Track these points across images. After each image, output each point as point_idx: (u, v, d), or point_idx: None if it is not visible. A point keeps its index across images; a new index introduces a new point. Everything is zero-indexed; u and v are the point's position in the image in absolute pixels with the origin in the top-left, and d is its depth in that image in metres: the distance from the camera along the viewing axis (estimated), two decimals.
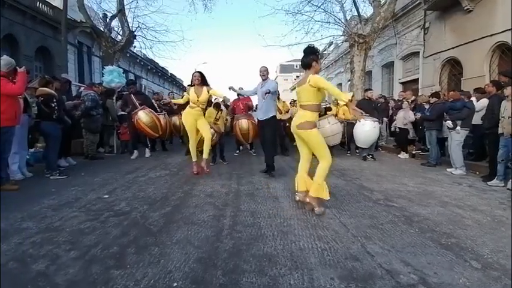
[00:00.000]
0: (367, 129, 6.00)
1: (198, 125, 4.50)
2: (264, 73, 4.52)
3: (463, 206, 3.21)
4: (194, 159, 4.59)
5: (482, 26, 7.59)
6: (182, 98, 4.89)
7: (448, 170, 5.16)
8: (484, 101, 5.11)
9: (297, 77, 33.50)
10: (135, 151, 6.21)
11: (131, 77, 18.58)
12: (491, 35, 7.36)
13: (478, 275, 1.79)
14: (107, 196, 3.36)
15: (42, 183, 4.00)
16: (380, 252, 2.07)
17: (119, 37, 12.47)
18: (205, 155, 4.54)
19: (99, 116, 5.86)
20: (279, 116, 6.54)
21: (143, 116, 5.66)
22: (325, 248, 2.13)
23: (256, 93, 4.70)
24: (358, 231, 2.43)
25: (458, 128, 4.92)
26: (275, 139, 5.11)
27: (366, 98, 6.89)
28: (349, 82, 11.56)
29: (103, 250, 2.05)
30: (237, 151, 6.97)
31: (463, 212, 3.00)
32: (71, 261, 1.90)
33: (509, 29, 6.75)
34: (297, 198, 3.12)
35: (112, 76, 6.62)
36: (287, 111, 6.91)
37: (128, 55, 16.12)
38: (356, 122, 6.34)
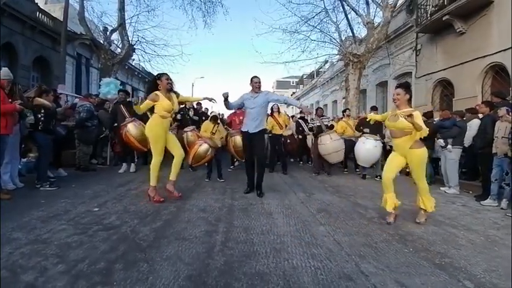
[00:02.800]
0: (368, 147, 5.84)
1: (167, 141, 3.73)
2: (259, 84, 4.22)
3: (457, 225, 3.20)
4: (153, 183, 3.65)
5: (474, 48, 7.83)
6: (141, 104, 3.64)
7: (442, 188, 5.18)
8: (476, 122, 5.20)
9: (293, 93, 33.99)
10: (124, 164, 5.92)
11: (129, 89, 18.68)
12: (484, 57, 7.58)
13: None
14: (97, 209, 3.28)
15: (32, 194, 3.91)
16: (374, 272, 2.03)
17: (118, 50, 12.64)
18: (172, 176, 3.76)
19: (94, 127, 5.82)
20: (279, 132, 6.58)
21: (132, 128, 5.33)
22: (319, 266, 2.08)
23: (242, 106, 4.43)
24: (352, 249, 2.40)
25: (449, 146, 4.98)
26: (265, 154, 4.95)
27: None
28: (344, 100, 11.75)
29: (90, 265, 1.98)
30: (232, 166, 6.91)
31: (457, 231, 2.99)
32: (59, 275, 1.85)
33: (504, 50, 6.94)
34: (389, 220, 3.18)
35: (109, 88, 6.64)
36: (286, 126, 6.84)
37: (126, 67, 16.27)
38: (355, 140, 6.35)
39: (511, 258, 2.29)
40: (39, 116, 4.25)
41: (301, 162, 8.56)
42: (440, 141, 5.11)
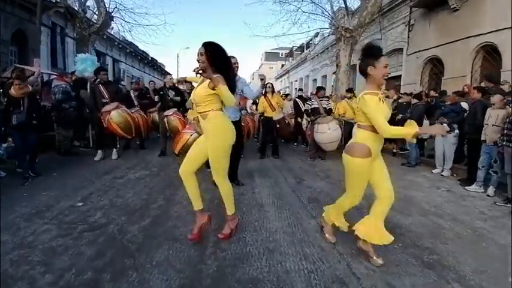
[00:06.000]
0: None
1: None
2: (237, 66, 3.68)
3: (443, 214, 3.28)
4: (198, 206, 2.43)
5: (468, 26, 7.67)
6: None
7: (434, 171, 5.29)
8: (464, 105, 5.21)
9: (282, 65, 33.18)
10: (100, 151, 5.37)
11: (108, 61, 17.63)
12: (477, 35, 7.45)
13: None
14: (81, 204, 3.15)
15: (13, 184, 3.74)
16: (365, 274, 2.05)
17: (95, 17, 11.70)
18: (230, 210, 2.46)
19: (72, 109, 5.46)
20: (271, 114, 6.21)
21: (116, 116, 4.96)
22: (312, 269, 2.08)
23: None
24: (343, 247, 2.41)
25: (456, 131, 4.99)
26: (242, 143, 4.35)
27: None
28: (334, 75, 11.53)
29: (77, 276, 1.90)
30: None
31: (443, 222, 3.06)
32: (47, 287, 1.79)
33: (496, 30, 6.83)
34: (359, 244, 2.28)
35: (85, 65, 6.12)
36: (281, 108, 6.45)
37: (104, 37, 15.19)
38: (354, 122, 6.12)
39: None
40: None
41: (295, 144, 8.27)
42: (445, 126, 5.07)
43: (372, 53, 2.09)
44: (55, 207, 3.03)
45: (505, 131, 3.73)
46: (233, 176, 3.95)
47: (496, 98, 4.12)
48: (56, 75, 6.69)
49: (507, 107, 3.97)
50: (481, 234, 2.80)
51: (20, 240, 2.34)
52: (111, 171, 4.58)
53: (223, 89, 2.13)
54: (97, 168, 4.77)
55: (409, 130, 1.95)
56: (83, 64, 6.15)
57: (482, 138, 4.19)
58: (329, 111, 6.22)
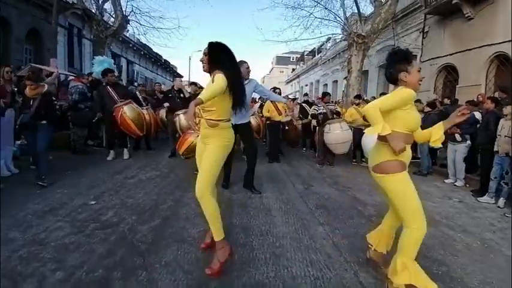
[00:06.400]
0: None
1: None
2: (249, 70, 3.77)
3: (454, 226, 3.23)
4: (222, 236, 2.10)
5: (482, 35, 7.57)
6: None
7: (447, 181, 5.21)
8: (477, 115, 5.12)
9: (293, 69, 33.21)
10: (111, 151, 5.47)
11: (123, 63, 18.03)
12: (491, 45, 7.34)
13: None
14: (93, 202, 3.24)
15: (27, 181, 3.83)
16: (373, 283, 2.04)
17: (112, 20, 12.04)
18: (217, 235, 2.07)
19: (87, 109, 5.62)
20: (278, 118, 6.24)
21: (129, 110, 5.05)
22: (318, 276, 2.09)
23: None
24: (351, 255, 2.40)
25: (468, 142, 4.92)
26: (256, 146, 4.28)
27: None
28: (345, 81, 11.49)
29: (88, 273, 1.96)
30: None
31: (453, 233, 3.01)
32: (58, 284, 1.84)
33: (509, 40, 6.73)
34: (368, 254, 2.19)
35: (102, 67, 6.32)
36: (290, 111, 6.26)
37: (120, 39, 15.59)
38: (364, 129, 6.03)
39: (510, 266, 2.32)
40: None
41: (303, 149, 8.21)
42: (457, 136, 4.99)
43: (404, 58, 1.88)
44: (68, 205, 3.13)
45: None
46: (249, 183, 4.01)
47: (508, 109, 4.04)
48: (73, 76, 6.91)
49: None
50: (489, 246, 2.75)
51: (32, 237, 2.39)
52: (122, 171, 4.68)
53: (217, 77, 1.97)
54: (109, 167, 4.88)
55: (384, 128, 1.72)
56: (100, 66, 6.35)
57: (495, 149, 4.10)
58: (337, 114, 6.21)
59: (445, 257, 2.48)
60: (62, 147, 5.62)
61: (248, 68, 3.67)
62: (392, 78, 1.91)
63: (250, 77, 3.82)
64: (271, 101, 6.22)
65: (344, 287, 1.98)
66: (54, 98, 4.66)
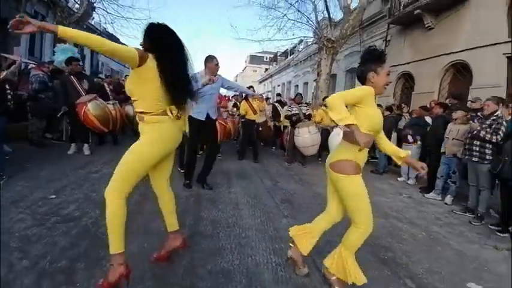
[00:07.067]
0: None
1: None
2: (219, 67, 3.69)
3: (402, 218, 3.58)
4: (120, 250, 1.79)
5: (440, 44, 8.23)
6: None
7: (400, 179, 5.69)
8: (428, 119, 5.65)
9: (266, 69, 33.57)
10: (73, 145, 5.23)
11: (86, 52, 17.02)
12: (448, 54, 8.02)
13: None
14: (53, 196, 3.12)
15: None
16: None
17: (77, 6, 11.37)
18: (113, 247, 1.78)
19: (48, 99, 5.31)
20: (253, 117, 6.33)
21: (93, 107, 4.69)
22: (279, 262, 2.25)
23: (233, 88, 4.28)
24: None
25: (419, 143, 5.38)
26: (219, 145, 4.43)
27: None
28: (315, 83, 11.95)
29: (52, 263, 1.96)
30: (200, 152, 6.40)
31: (401, 225, 3.35)
32: (25, 271, 1.86)
33: (470, 49, 7.33)
34: (289, 254, 2.15)
35: (65, 55, 5.98)
36: (261, 111, 6.53)
37: (84, 27, 14.73)
38: (331, 129, 6.30)
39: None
40: None
41: (273, 148, 8.44)
42: (410, 138, 5.45)
43: (376, 58, 1.86)
44: (28, 198, 3.00)
45: (467, 146, 3.98)
46: (202, 179, 3.98)
47: (458, 114, 4.51)
48: (34, 64, 6.46)
49: (470, 122, 4.34)
50: (436, 238, 3.09)
51: None
52: (86, 166, 4.52)
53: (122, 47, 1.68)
54: (71, 161, 4.68)
55: (348, 118, 1.62)
56: (63, 55, 6.02)
57: (442, 150, 4.58)
58: (309, 117, 6.48)
59: (391, 244, 2.78)
60: (19, 138, 5.25)
61: (217, 64, 3.64)
62: (362, 77, 1.90)
63: (219, 74, 3.77)
64: (246, 100, 6.37)
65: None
66: (8, 87, 4.36)
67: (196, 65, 2.19)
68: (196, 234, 2.59)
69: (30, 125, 5.33)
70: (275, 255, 2.34)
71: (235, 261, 2.21)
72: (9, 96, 3.68)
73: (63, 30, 1.48)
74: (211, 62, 3.61)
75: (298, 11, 10.81)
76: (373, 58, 1.87)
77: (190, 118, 3.54)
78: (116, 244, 1.74)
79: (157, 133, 1.82)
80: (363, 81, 1.90)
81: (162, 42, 1.79)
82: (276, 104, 8.12)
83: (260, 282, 1.99)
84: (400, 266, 2.41)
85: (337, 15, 11.56)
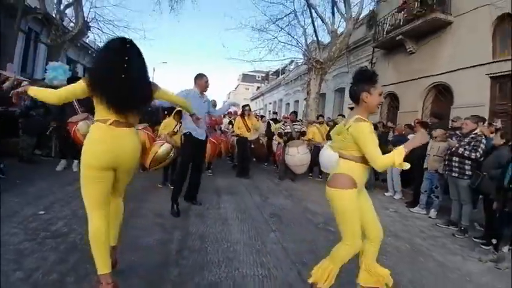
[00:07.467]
0: (330, 154, 6.07)
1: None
2: (208, 85, 3.75)
3: (386, 232, 3.63)
4: (106, 270, 1.82)
5: (421, 68, 8.75)
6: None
7: (387, 194, 5.84)
8: (411, 137, 5.89)
9: (258, 87, 34.28)
10: (62, 161, 5.25)
11: (79, 69, 17.17)
12: (428, 76, 8.50)
13: None
14: (43, 212, 3.13)
15: None
16: None
17: (72, 25, 11.62)
18: (101, 267, 1.81)
19: (39, 117, 5.35)
20: (246, 135, 6.42)
21: (83, 127, 4.54)
22: (266, 275, 2.30)
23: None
24: (297, 257, 2.66)
25: None
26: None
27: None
28: (305, 101, 12.31)
29: (44, 276, 1.99)
30: (209, 171, 6.40)
31: (385, 238, 3.42)
32: (20, 282, 1.89)
33: (451, 71, 7.75)
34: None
35: (56, 73, 6.06)
36: (256, 130, 6.66)
37: (78, 45, 14.96)
38: (321, 147, 6.44)
39: None
40: None
41: (265, 164, 8.49)
42: None
43: (369, 78, 1.90)
44: (20, 214, 3.01)
45: (446, 162, 4.18)
46: (192, 196, 3.96)
47: (438, 132, 4.76)
48: (27, 81, 6.53)
49: (448, 139, 4.56)
50: (419, 250, 3.19)
51: None
52: (74, 182, 4.50)
53: None
54: (60, 178, 4.67)
55: (398, 153, 1.74)
56: (54, 72, 6.13)
57: (425, 166, 4.78)
58: (303, 134, 6.64)
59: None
60: (9, 154, 5.23)
61: (207, 82, 3.70)
62: (355, 96, 1.91)
63: (210, 93, 3.89)
64: (241, 117, 6.53)
65: (288, 284, 2.21)
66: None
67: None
68: (184, 249, 2.62)
69: (21, 141, 5.33)
70: (262, 268, 2.40)
71: (223, 274, 2.25)
72: None
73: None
74: (201, 79, 3.68)
75: (289, 34, 11.32)
76: (365, 78, 1.92)
77: (190, 137, 3.59)
78: (101, 264, 1.80)
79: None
80: (356, 100, 1.92)
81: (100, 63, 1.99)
82: (271, 122, 8.35)
83: None
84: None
85: (325, 38, 12.13)
